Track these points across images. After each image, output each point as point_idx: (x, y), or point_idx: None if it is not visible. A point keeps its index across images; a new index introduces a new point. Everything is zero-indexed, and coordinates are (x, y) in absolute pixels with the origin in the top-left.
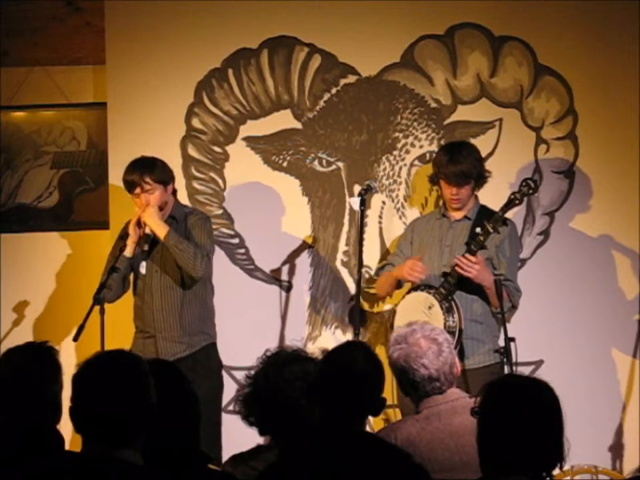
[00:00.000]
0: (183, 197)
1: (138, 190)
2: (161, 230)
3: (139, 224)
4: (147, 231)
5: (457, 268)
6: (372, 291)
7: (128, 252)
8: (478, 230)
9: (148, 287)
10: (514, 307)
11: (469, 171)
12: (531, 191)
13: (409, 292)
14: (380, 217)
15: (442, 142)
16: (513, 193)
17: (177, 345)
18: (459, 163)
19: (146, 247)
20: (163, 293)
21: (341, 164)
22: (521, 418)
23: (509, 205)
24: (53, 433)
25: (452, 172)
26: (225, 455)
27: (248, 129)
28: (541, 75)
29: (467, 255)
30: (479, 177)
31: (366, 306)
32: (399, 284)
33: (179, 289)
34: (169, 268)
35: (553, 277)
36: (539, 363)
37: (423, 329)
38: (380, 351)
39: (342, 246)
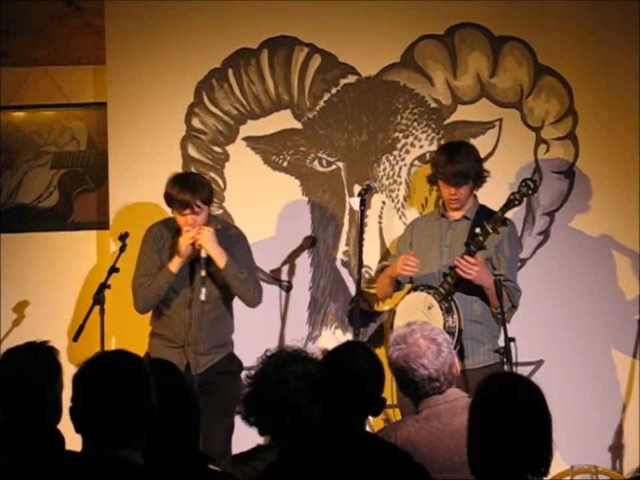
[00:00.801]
0: None
1: (188, 211)
2: (220, 257)
3: (193, 245)
4: (203, 254)
5: (456, 270)
6: (372, 291)
7: (175, 268)
8: (477, 230)
9: (183, 301)
10: (514, 307)
11: (467, 171)
12: (530, 192)
13: (408, 292)
14: (380, 216)
15: (442, 142)
16: (513, 194)
17: (206, 357)
18: (457, 163)
19: (203, 273)
20: (200, 312)
21: (341, 164)
22: (506, 417)
23: (509, 205)
24: (53, 433)
25: (450, 172)
26: None
27: (248, 129)
28: (541, 75)
29: (466, 257)
30: (478, 177)
31: (366, 306)
32: (398, 285)
33: (214, 305)
34: (209, 291)
35: (553, 277)
36: (538, 363)
37: (422, 329)
38: (380, 351)
39: (342, 246)
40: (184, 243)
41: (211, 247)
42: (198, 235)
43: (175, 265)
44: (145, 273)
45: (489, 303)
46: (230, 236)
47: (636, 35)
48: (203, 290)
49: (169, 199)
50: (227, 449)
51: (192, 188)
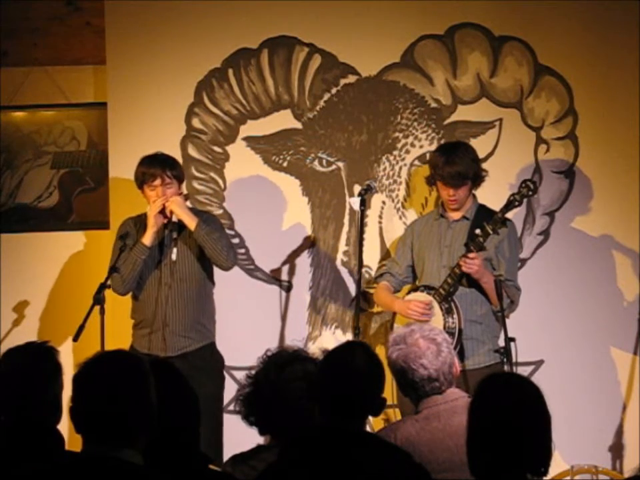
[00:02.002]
0: None
1: (158, 182)
2: (190, 219)
3: (163, 212)
4: (174, 219)
5: (462, 266)
6: (372, 291)
7: (148, 241)
8: (477, 231)
9: (157, 279)
10: (512, 303)
11: (465, 171)
12: (530, 192)
13: (408, 293)
14: (380, 216)
15: (442, 142)
16: (513, 195)
17: (183, 339)
18: (455, 164)
19: (175, 235)
20: (174, 286)
21: (341, 164)
22: (505, 417)
23: (509, 206)
24: (53, 433)
25: (448, 173)
26: (225, 455)
27: (248, 129)
28: (540, 74)
29: (467, 254)
30: (476, 177)
31: (366, 306)
32: (397, 288)
33: (188, 283)
34: (183, 261)
35: (553, 277)
36: (539, 363)
37: (421, 329)
38: (380, 351)
39: (342, 246)
40: (153, 211)
41: (181, 211)
42: (167, 203)
43: (147, 237)
44: (117, 257)
45: (490, 303)
46: (201, 213)
47: (636, 35)
48: (175, 250)
49: (141, 175)
50: (216, 448)
51: (161, 161)
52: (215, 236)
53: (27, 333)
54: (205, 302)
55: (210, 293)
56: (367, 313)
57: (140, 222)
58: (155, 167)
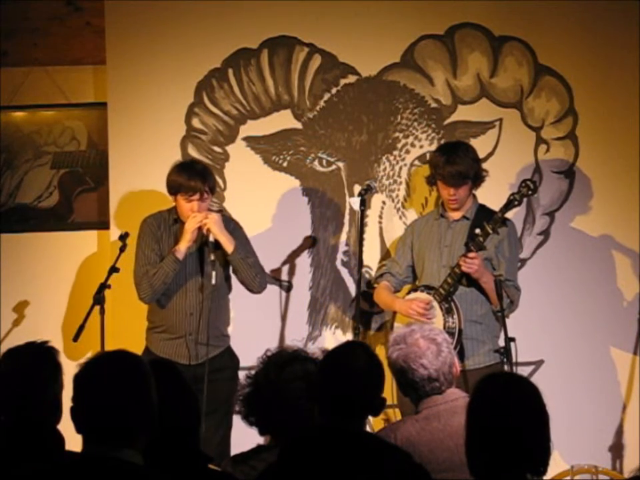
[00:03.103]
0: None
1: (197, 196)
2: (228, 241)
3: (200, 230)
4: (211, 239)
5: (462, 266)
6: (372, 291)
7: (181, 255)
8: (477, 231)
9: (187, 291)
10: (512, 303)
11: (465, 171)
12: (530, 192)
13: (408, 293)
14: (380, 216)
15: (442, 142)
16: (512, 194)
17: (205, 348)
18: (456, 164)
19: (212, 257)
20: (201, 299)
21: (341, 164)
22: (503, 417)
23: (508, 205)
24: (53, 433)
25: (449, 172)
26: None
27: (248, 129)
28: (540, 74)
29: (467, 254)
30: (476, 177)
31: (366, 306)
32: (398, 288)
33: (218, 297)
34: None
35: (553, 277)
36: (539, 363)
37: (421, 329)
38: (380, 351)
39: (342, 246)
40: (191, 226)
41: (219, 231)
42: (206, 220)
43: (180, 250)
44: (148, 262)
45: (490, 303)
46: (228, 223)
47: (636, 35)
48: (214, 273)
49: (177, 185)
50: (226, 449)
51: (202, 175)
52: (250, 261)
53: (27, 333)
54: (225, 310)
55: (228, 300)
56: (367, 313)
57: (162, 221)
58: (196, 180)
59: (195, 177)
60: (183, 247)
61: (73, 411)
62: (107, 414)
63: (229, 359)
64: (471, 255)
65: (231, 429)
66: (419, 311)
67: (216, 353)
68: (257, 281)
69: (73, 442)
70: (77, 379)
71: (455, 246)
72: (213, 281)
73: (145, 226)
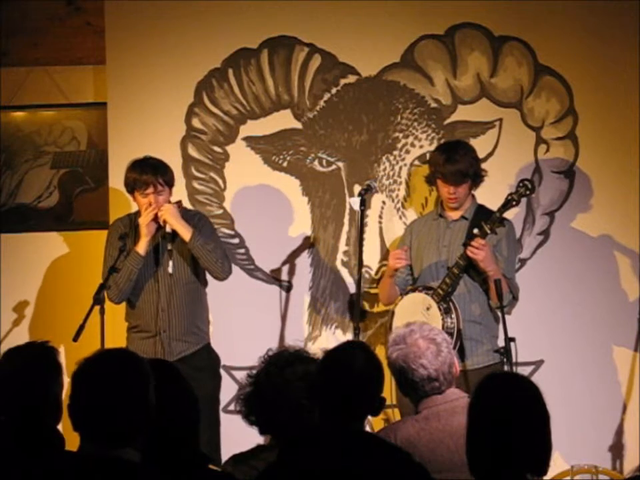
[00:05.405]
0: (183, 197)
1: (150, 189)
2: (185, 229)
3: (156, 220)
4: (168, 229)
5: (467, 251)
6: (372, 291)
7: (142, 250)
8: (475, 231)
9: (153, 286)
10: (514, 299)
11: (465, 169)
12: (528, 192)
13: (407, 293)
14: (380, 216)
15: (442, 142)
16: (510, 194)
17: (181, 343)
18: (456, 162)
19: (169, 247)
20: (169, 292)
21: (341, 164)
22: (504, 417)
23: (506, 205)
24: (53, 433)
25: (449, 171)
26: (225, 455)
27: (248, 129)
28: (541, 74)
29: (477, 239)
30: (476, 176)
31: (366, 306)
32: (402, 286)
33: (184, 288)
34: (179, 269)
35: (553, 277)
36: (538, 363)
37: (421, 329)
38: (380, 351)
39: (342, 246)
40: (145, 220)
41: (175, 221)
42: (160, 212)
43: (141, 246)
44: (113, 262)
45: (489, 300)
46: (192, 216)
47: (636, 35)
48: (170, 263)
49: (132, 181)
50: (214, 449)
51: (155, 168)
52: (209, 247)
53: (27, 333)
54: (200, 305)
55: (203, 294)
56: (367, 313)
57: (130, 222)
58: (147, 173)
59: (148, 170)
60: (142, 242)
61: (70, 408)
62: (104, 412)
63: (207, 356)
64: (479, 241)
65: (219, 428)
66: (397, 257)
67: (193, 350)
68: (218, 265)
69: (73, 442)
70: (76, 376)
71: (454, 246)
72: (170, 270)
73: (111, 228)
